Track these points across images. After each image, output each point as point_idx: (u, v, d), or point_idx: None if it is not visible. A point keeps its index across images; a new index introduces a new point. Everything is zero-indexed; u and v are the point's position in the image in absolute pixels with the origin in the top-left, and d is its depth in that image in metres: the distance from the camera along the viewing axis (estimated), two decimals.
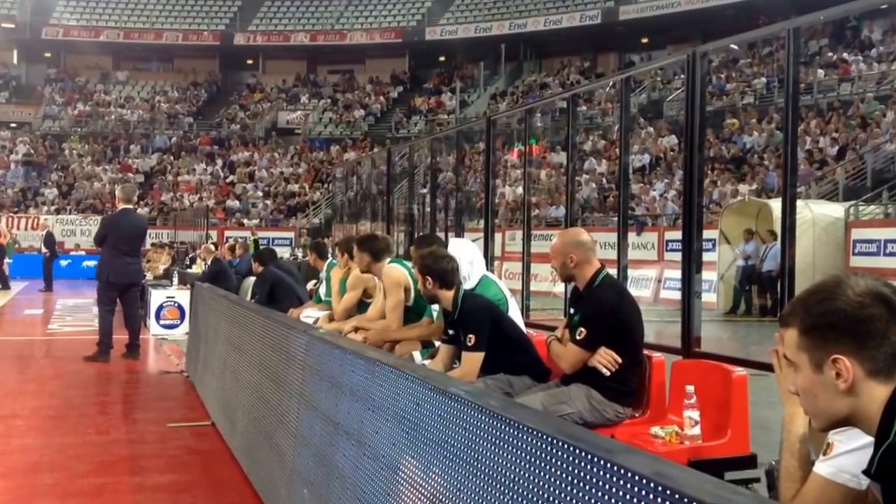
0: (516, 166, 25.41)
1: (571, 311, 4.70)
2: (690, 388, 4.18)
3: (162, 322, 13.16)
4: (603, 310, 4.43)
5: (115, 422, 7.15)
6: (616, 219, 7.13)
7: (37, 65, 45.27)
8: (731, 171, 24.01)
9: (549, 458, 1.90)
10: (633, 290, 4.65)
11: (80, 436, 6.64)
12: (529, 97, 34.51)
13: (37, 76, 45.08)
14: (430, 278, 4.93)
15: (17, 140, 39.76)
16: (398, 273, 5.93)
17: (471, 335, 4.71)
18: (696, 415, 4.14)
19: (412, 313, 5.91)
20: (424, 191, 14.91)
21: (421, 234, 10.17)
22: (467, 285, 5.27)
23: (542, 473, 1.91)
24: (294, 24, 45.45)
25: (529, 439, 1.98)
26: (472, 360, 4.71)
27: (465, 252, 5.53)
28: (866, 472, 1.78)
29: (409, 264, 5.76)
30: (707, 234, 16.12)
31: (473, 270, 5.47)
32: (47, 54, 45.17)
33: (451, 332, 4.99)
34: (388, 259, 6.25)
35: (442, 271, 4.92)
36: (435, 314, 5.62)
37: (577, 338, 4.40)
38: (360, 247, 6.43)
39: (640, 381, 4.54)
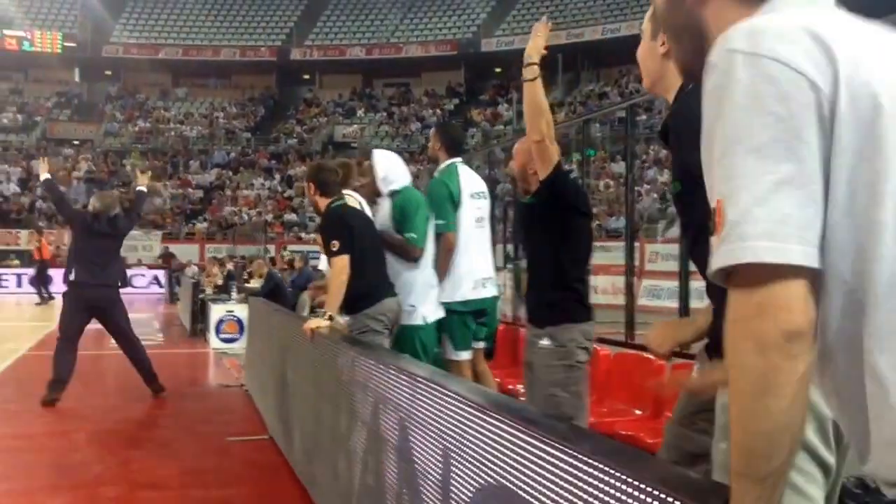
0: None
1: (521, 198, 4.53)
2: None
3: (221, 336, 13.26)
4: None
5: (175, 435, 7.19)
6: (678, 229, 7.00)
7: (98, 83, 46.20)
8: None
9: (592, 480, 1.81)
10: (698, 302, 4.46)
11: (141, 449, 6.73)
12: (587, 107, 34.30)
13: (98, 94, 46.01)
14: (312, 185, 5.35)
15: (79, 157, 40.58)
16: None
17: (334, 241, 5.00)
18: None
19: None
20: None
21: None
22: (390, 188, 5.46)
23: (585, 496, 1.84)
24: (350, 39, 45.82)
25: (569, 459, 1.91)
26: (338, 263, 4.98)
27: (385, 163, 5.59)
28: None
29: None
30: None
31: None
32: (108, 72, 46.10)
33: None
34: None
35: (324, 181, 5.31)
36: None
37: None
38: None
39: None
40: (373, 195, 5.55)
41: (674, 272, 5.71)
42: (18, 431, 7.40)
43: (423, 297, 5.33)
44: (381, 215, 5.46)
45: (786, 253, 1.18)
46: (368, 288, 5.08)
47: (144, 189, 9.53)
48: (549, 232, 4.12)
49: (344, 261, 4.95)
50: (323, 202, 5.29)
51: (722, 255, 1.21)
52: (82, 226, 8.69)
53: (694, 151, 1.48)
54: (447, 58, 43.50)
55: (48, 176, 9.23)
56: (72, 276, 8.45)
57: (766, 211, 1.18)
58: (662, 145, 1.97)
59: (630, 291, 7.04)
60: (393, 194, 5.44)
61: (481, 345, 5.85)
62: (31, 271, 25.79)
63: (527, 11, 43.62)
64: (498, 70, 43.57)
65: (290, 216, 36.15)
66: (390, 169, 5.51)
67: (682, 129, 2.02)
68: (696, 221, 1.98)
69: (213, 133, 42.91)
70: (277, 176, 39.89)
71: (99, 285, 8.46)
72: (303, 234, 34.33)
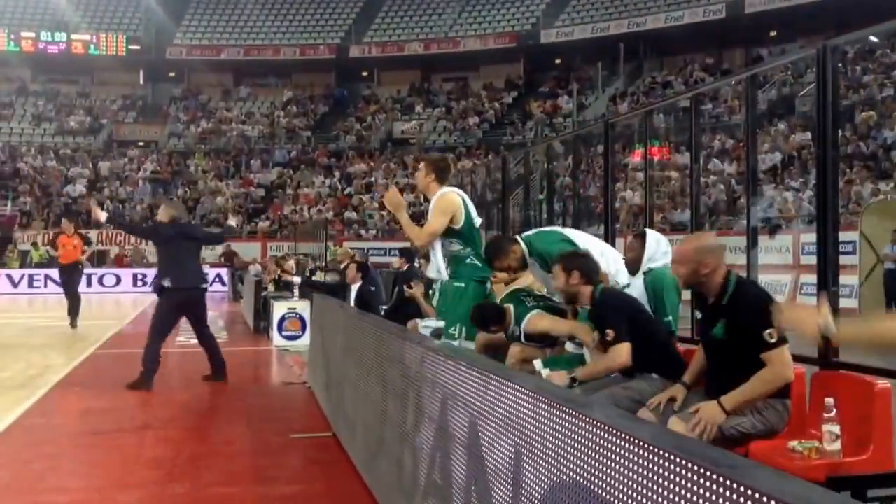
0: (638, 168, 24.80)
1: (707, 323, 4.35)
2: (830, 401, 3.94)
3: (284, 333, 13.36)
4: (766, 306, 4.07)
5: (240, 432, 7.25)
6: (745, 222, 6.84)
7: (162, 84, 46.91)
8: (870, 169, 22.92)
9: (665, 473, 1.78)
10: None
11: (208, 446, 6.81)
12: (651, 97, 33.75)
13: (162, 95, 46.70)
14: (577, 272, 5.03)
15: (144, 158, 41.27)
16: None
17: (609, 330, 4.73)
18: (836, 429, 3.92)
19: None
20: (541, 197, 14.73)
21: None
22: (621, 279, 5.45)
23: (658, 489, 1.80)
24: (408, 34, 45.81)
25: (643, 453, 1.88)
26: (619, 350, 4.70)
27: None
28: None
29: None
30: (847, 235, 15.31)
31: (611, 265, 5.52)
32: (171, 74, 46.79)
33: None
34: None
35: (589, 267, 5.08)
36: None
37: (771, 341, 3.99)
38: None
39: None
40: (632, 270, 5.55)
41: (741, 265, 5.58)
42: (88, 429, 7.53)
43: None
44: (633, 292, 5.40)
45: None
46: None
47: (234, 225, 11.60)
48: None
49: (624, 349, 4.71)
50: (587, 290, 5.04)
51: None
52: (160, 237, 9.77)
53: None
54: (506, 50, 43.12)
55: (107, 214, 10.77)
56: (167, 283, 9.42)
57: None
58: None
59: None
60: (646, 272, 5.42)
61: None
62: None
63: (587, 1, 43.12)
64: (558, 61, 43.14)
65: (350, 214, 36.31)
66: (657, 251, 5.46)
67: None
68: None
69: (273, 132, 43.26)
70: (337, 174, 40.08)
71: (190, 289, 9.55)
72: (363, 232, 34.47)
